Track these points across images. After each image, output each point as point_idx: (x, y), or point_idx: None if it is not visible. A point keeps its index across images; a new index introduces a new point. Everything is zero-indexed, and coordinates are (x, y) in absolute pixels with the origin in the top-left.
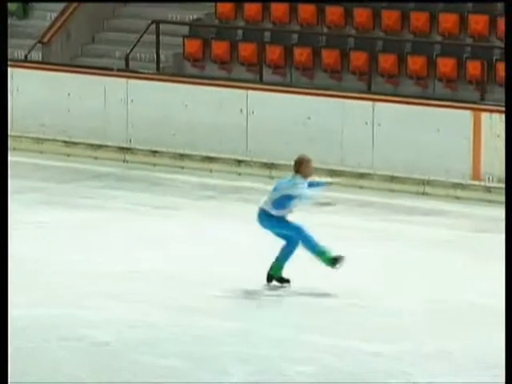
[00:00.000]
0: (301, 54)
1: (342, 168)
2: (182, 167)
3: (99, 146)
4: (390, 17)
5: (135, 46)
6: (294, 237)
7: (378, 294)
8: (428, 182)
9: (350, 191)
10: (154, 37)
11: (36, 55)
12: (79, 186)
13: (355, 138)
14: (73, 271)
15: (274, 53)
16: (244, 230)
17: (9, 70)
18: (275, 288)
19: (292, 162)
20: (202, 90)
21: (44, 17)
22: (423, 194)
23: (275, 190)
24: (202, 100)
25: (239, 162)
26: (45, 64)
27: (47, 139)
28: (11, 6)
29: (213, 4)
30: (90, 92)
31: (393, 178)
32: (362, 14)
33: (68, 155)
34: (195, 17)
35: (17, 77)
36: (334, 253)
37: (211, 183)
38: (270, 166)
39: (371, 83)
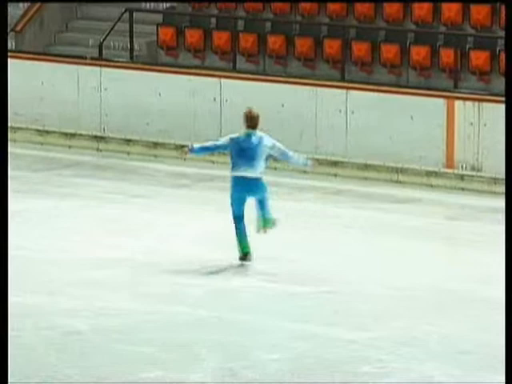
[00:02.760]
0: (274, 43)
1: (316, 156)
2: (156, 156)
3: (73, 135)
4: (363, 5)
5: (109, 34)
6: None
7: (350, 281)
8: (402, 170)
9: (323, 179)
10: (128, 25)
11: (9, 44)
12: (52, 175)
13: (329, 126)
14: (45, 260)
15: (247, 41)
16: (218, 218)
17: None
18: (248, 275)
19: None
20: (176, 78)
21: (16, 5)
22: (397, 181)
23: (257, 152)
24: (175, 88)
25: None
26: (18, 52)
27: (20, 128)
28: None
29: None
30: (64, 80)
31: (366, 166)
32: (335, 2)
33: (41, 144)
34: (169, 5)
35: None
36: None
37: (185, 171)
38: None
39: (344, 71)
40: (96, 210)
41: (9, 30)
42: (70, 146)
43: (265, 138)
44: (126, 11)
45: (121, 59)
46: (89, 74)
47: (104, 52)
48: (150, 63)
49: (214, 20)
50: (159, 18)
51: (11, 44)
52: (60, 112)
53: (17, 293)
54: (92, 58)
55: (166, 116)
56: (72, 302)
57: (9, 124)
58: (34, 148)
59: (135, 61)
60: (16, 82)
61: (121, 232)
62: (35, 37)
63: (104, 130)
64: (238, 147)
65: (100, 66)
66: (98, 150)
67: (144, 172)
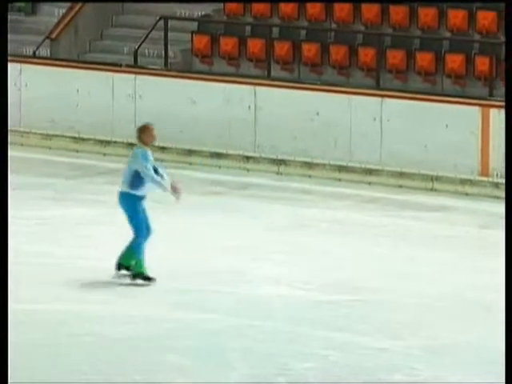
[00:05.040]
0: (309, 50)
1: (350, 164)
2: (190, 163)
3: (108, 142)
4: (398, 13)
5: (143, 41)
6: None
7: (382, 290)
8: (436, 178)
9: (357, 187)
10: (163, 33)
11: (44, 51)
12: (87, 182)
13: (363, 134)
14: (78, 267)
15: (282, 49)
16: (252, 226)
17: (18, 65)
18: (280, 284)
19: (300, 158)
20: (210, 85)
21: (52, 13)
22: (431, 189)
23: (127, 167)
24: (209, 96)
25: (247, 158)
26: (53, 60)
27: (56, 135)
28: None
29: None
30: (99, 88)
31: (401, 174)
32: (370, 10)
33: (76, 151)
34: (203, 13)
35: (25, 73)
36: (148, 271)
37: (219, 179)
38: (279, 162)
39: (379, 79)
40: None
41: (44, 37)
42: (104, 154)
43: (135, 153)
44: (160, 19)
45: (155, 67)
46: (123, 81)
47: (139, 59)
48: (185, 71)
49: (248, 28)
50: (194, 25)
51: (46, 51)
52: (95, 119)
53: (47, 299)
54: (127, 66)
55: (201, 124)
56: (101, 310)
57: (44, 131)
58: (69, 155)
59: (170, 68)
60: (51, 90)
61: (152, 240)
62: (70, 44)
63: None
64: None
65: (135, 73)
66: None
67: (178, 179)
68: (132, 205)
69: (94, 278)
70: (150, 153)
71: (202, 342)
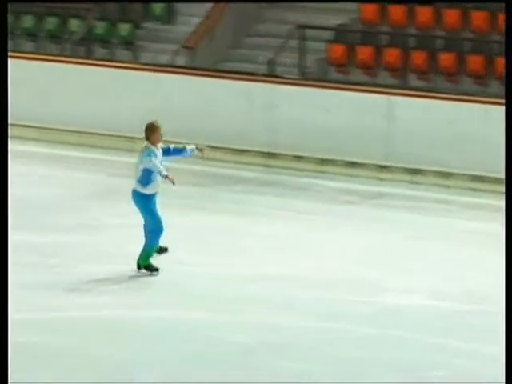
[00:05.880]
0: (446, 60)
1: (484, 173)
2: (324, 172)
3: (241, 151)
4: None
5: (280, 51)
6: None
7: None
8: None
9: (491, 197)
10: (298, 42)
11: (180, 60)
12: (220, 191)
13: (499, 144)
14: (210, 275)
15: (418, 58)
16: (386, 236)
17: (153, 74)
18: (412, 293)
19: (434, 168)
20: (346, 95)
21: (188, 22)
22: None
23: (137, 165)
24: (345, 105)
25: (381, 167)
26: (189, 69)
27: (189, 143)
28: (156, 9)
29: (357, 9)
30: (235, 97)
31: None
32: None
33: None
34: (339, 22)
35: (161, 81)
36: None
37: (353, 188)
38: (413, 171)
39: None
40: (262, 226)
41: (180, 46)
42: (237, 162)
43: (143, 150)
44: (297, 28)
45: (291, 76)
46: (259, 90)
47: (275, 69)
48: (320, 80)
49: (385, 37)
50: (330, 34)
51: (182, 60)
52: (230, 128)
53: (181, 307)
54: (263, 75)
55: (336, 133)
56: (237, 318)
57: (176, 139)
58: (201, 163)
59: (305, 77)
60: (187, 98)
61: (284, 248)
62: (206, 53)
63: (274, 146)
64: None
65: (271, 82)
66: (266, 166)
67: (313, 188)
68: (143, 203)
69: (228, 286)
70: (155, 150)
71: (334, 350)
